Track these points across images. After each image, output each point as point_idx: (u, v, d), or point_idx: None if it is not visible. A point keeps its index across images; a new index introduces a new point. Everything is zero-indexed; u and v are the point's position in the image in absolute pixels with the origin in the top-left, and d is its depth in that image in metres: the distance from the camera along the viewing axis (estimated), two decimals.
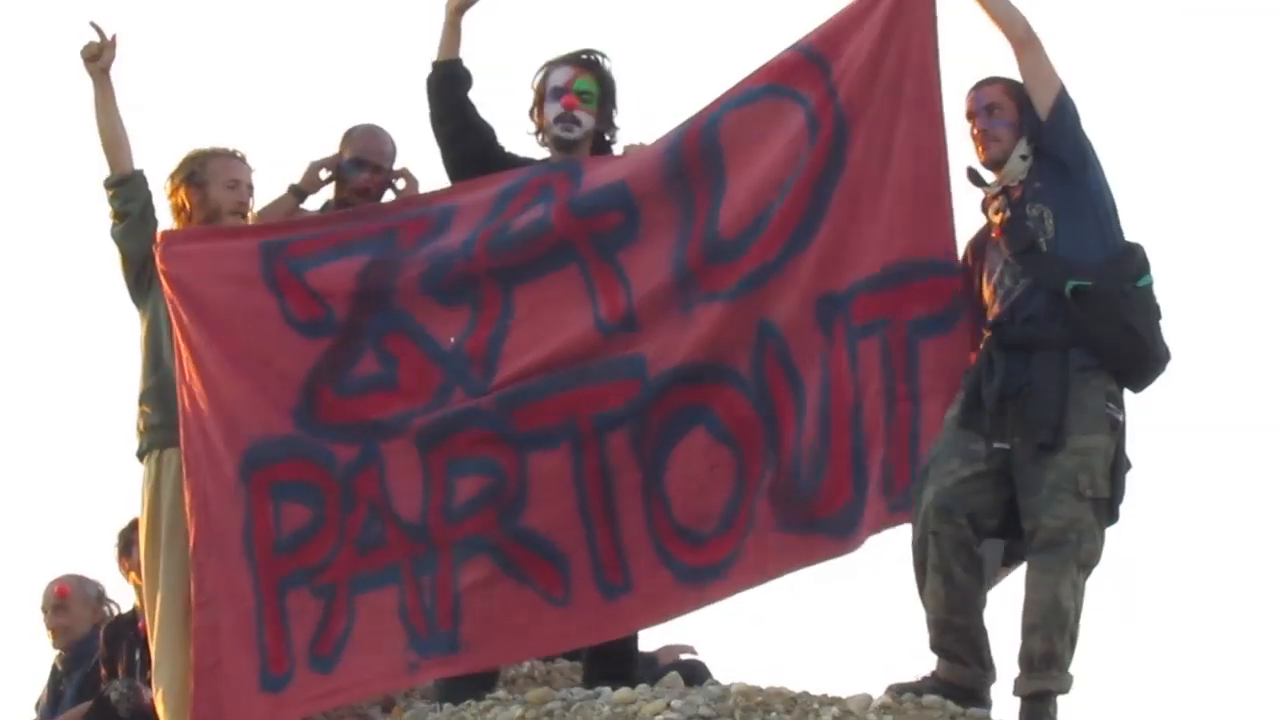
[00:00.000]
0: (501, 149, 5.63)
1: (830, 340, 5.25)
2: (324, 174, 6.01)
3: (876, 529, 5.20)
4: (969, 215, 5.33)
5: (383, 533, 5.41)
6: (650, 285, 5.33)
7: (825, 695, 5.33)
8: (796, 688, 5.38)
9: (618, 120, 5.63)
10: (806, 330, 5.27)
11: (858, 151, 5.21)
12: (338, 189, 5.91)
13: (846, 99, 5.24)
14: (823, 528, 5.24)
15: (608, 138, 5.60)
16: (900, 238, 5.21)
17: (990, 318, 5.17)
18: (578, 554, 5.30)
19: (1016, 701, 5.14)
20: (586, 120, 5.48)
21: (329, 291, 5.43)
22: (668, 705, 5.22)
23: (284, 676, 5.46)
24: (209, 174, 5.72)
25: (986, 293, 5.20)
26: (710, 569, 5.27)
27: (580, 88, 5.47)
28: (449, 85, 5.54)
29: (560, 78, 5.46)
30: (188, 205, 5.69)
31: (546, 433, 5.33)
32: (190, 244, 5.63)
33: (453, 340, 5.37)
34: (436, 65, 5.53)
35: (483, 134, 5.59)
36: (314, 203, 6.09)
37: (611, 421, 5.30)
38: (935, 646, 5.16)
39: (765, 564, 5.31)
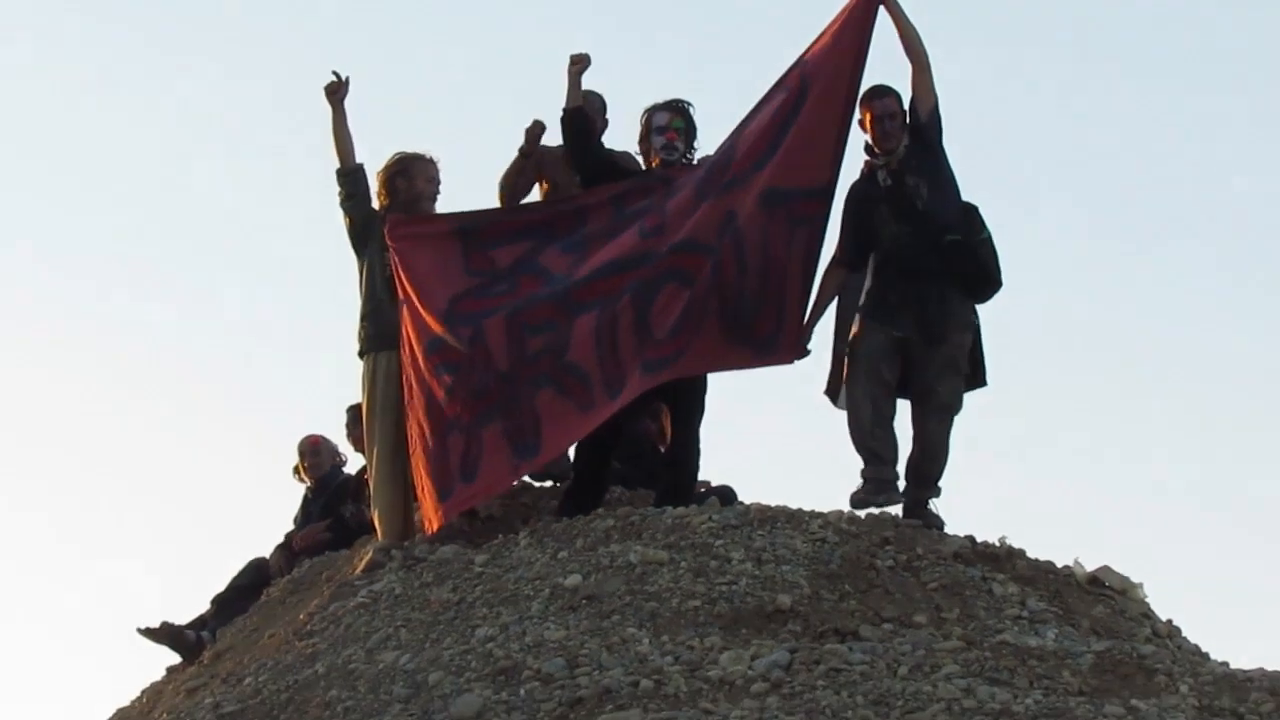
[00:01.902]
0: (619, 165, 7.79)
1: (772, 219, 7.41)
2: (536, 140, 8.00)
3: (787, 360, 7.51)
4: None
5: (487, 384, 7.48)
6: (677, 204, 7.47)
7: (813, 511, 7.32)
8: (794, 506, 7.40)
9: (696, 144, 7.79)
10: (754, 213, 7.40)
11: (806, 115, 7.34)
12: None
13: (809, 76, 7.38)
14: (751, 345, 7.43)
15: (689, 156, 7.70)
16: (818, 169, 7.41)
17: (884, 250, 7.27)
18: (594, 373, 7.39)
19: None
20: (680, 146, 7.63)
21: (500, 258, 7.55)
22: (709, 518, 7.22)
23: (449, 489, 7.56)
24: (415, 171, 7.71)
25: (879, 230, 7.28)
26: (663, 360, 7.37)
27: (676, 126, 7.66)
28: (577, 126, 7.66)
29: (661, 119, 7.64)
30: (399, 189, 7.67)
31: (593, 302, 7.43)
32: (409, 228, 7.69)
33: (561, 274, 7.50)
34: (566, 112, 7.66)
35: (602, 158, 7.75)
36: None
37: (630, 288, 7.39)
38: (864, 447, 7.26)
39: (710, 360, 7.49)
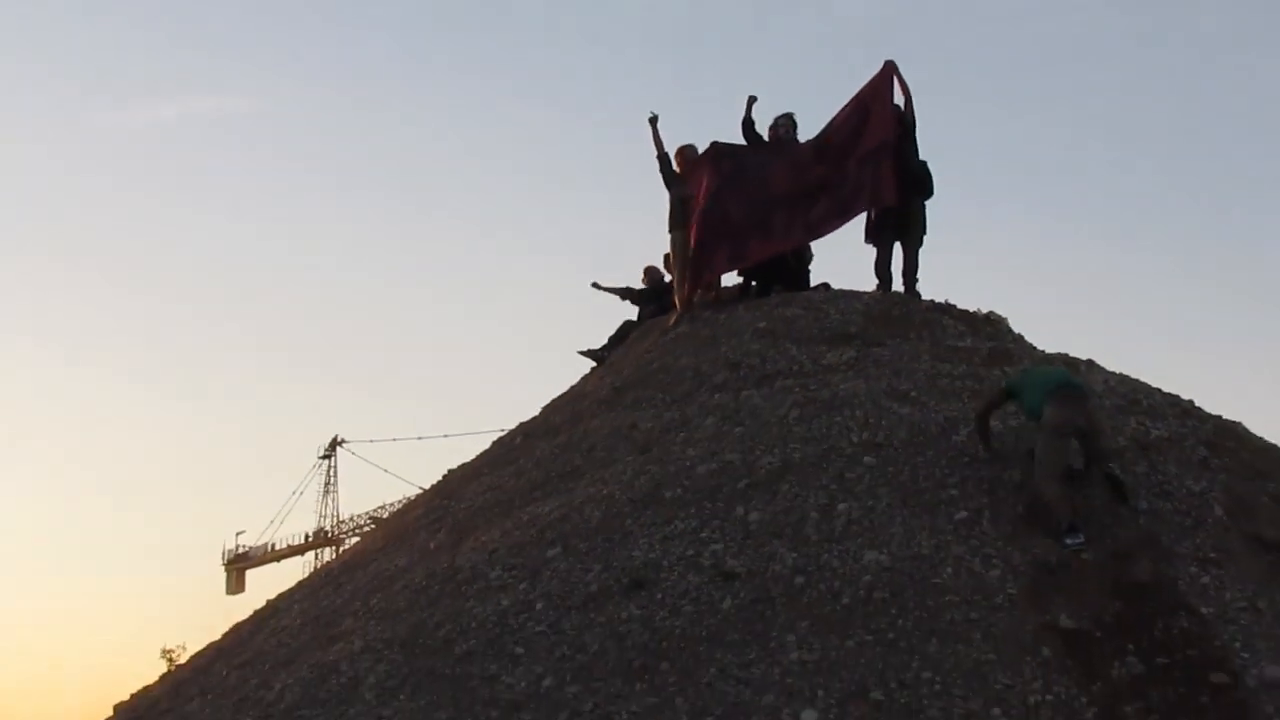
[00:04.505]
0: (764, 140, 14.52)
1: (859, 165, 13.78)
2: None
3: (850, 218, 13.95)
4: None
5: (724, 236, 14.11)
6: (807, 159, 14.16)
7: (866, 291, 13.57)
8: (858, 289, 13.72)
9: (797, 131, 14.46)
10: (853, 166, 13.84)
11: (873, 121, 13.94)
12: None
13: (868, 101, 13.97)
14: (848, 212, 13.91)
15: (794, 136, 14.41)
16: (878, 136, 13.87)
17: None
18: (778, 230, 13.95)
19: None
20: (791, 133, 14.35)
21: (724, 168, 14.23)
22: (821, 294, 13.61)
23: (700, 277, 14.31)
24: (685, 152, 14.54)
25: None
26: (818, 225, 14.02)
27: (789, 122, 14.40)
28: (749, 129, 14.41)
29: (782, 121, 14.40)
30: (678, 161, 14.50)
31: (781, 199, 14.09)
32: (695, 163, 14.44)
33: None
34: (743, 121, 14.44)
35: (756, 138, 14.43)
36: None
37: (795, 199, 14.17)
38: (881, 278, 13.85)
39: (836, 224, 14.00)
